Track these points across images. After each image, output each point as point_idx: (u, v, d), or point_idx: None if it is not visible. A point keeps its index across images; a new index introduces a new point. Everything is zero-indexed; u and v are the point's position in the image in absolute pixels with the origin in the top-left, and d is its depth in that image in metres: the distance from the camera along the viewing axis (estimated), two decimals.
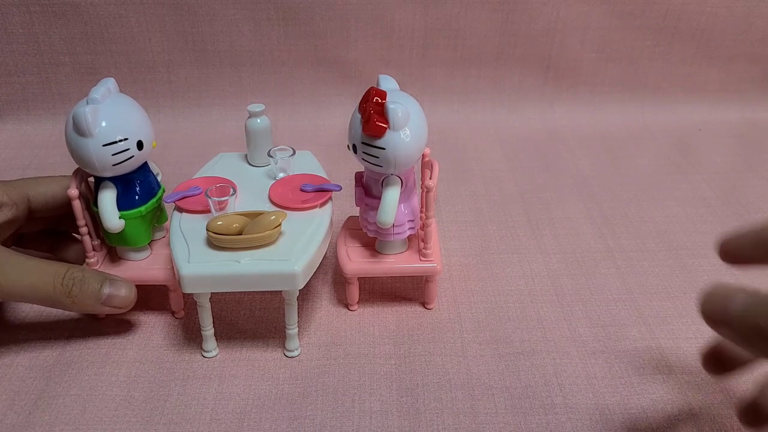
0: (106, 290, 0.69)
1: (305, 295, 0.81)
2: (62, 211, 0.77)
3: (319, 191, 0.76)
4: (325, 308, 0.79)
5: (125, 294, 0.70)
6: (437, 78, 1.25)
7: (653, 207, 1.00)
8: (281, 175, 0.79)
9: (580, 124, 1.25)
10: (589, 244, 0.91)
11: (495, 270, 0.85)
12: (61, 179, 0.77)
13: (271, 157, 0.78)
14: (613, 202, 1.01)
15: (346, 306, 0.79)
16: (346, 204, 0.91)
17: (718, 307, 0.52)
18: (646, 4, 1.19)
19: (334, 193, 0.77)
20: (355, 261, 0.76)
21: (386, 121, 0.65)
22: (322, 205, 0.74)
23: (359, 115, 0.68)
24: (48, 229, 0.82)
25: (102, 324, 0.76)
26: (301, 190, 0.76)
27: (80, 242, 0.82)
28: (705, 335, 0.75)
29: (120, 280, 0.71)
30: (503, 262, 0.87)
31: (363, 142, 0.68)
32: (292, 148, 0.80)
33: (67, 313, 0.78)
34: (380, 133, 0.66)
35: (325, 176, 0.79)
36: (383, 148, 0.67)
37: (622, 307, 0.79)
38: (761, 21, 1.22)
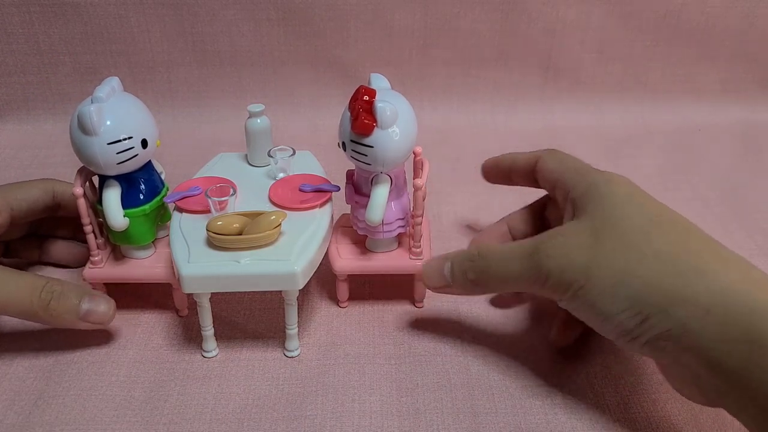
0: (85, 305, 0.68)
1: (305, 294, 0.81)
2: (44, 215, 0.77)
3: (317, 191, 0.76)
4: (325, 308, 0.79)
5: (104, 310, 0.69)
6: (437, 78, 1.25)
7: None
8: (281, 175, 0.80)
9: (579, 124, 1.25)
10: None
11: None
12: (39, 182, 0.77)
13: (271, 157, 0.78)
14: None
15: (337, 303, 0.79)
16: (344, 203, 0.91)
17: (437, 280, 0.69)
18: (646, 4, 1.19)
19: (334, 193, 0.77)
20: (345, 258, 0.76)
21: (374, 120, 0.66)
22: (322, 205, 0.74)
23: (349, 113, 0.68)
24: (31, 234, 0.82)
25: None
26: (300, 190, 0.76)
27: (68, 241, 0.82)
28: None
29: (100, 295, 0.70)
30: None
31: (352, 140, 0.68)
32: (292, 148, 0.80)
33: None
34: (368, 131, 0.66)
35: (324, 176, 0.79)
36: (371, 146, 0.67)
37: None
38: (761, 21, 1.22)
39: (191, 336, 0.75)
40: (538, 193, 1.02)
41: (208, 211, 0.72)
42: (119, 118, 0.66)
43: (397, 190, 0.73)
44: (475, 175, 1.09)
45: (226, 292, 0.78)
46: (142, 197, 0.72)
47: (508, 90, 1.26)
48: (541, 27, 1.20)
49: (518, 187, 1.04)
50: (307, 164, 0.82)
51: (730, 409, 0.53)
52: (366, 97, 0.66)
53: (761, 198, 1.02)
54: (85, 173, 0.71)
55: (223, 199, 0.71)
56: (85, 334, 0.75)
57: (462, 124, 1.24)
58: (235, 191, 0.73)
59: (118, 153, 0.67)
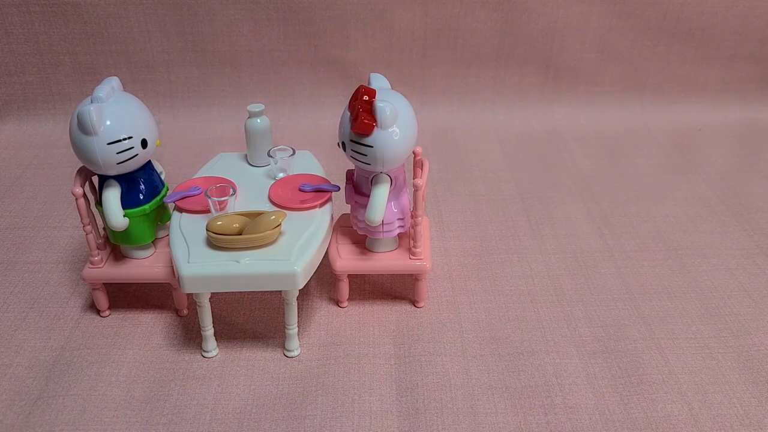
0: None
1: (305, 295, 0.81)
2: None
3: (317, 191, 0.76)
4: (324, 308, 0.79)
5: None
6: (437, 78, 1.24)
7: (653, 207, 1.00)
8: (281, 175, 0.79)
9: (580, 124, 1.25)
10: (589, 244, 0.91)
11: (495, 270, 0.85)
12: None
13: (271, 157, 0.78)
14: (613, 202, 1.01)
15: (337, 303, 0.79)
16: (344, 203, 0.91)
17: None
18: (646, 4, 1.19)
19: (333, 193, 0.77)
20: (345, 258, 0.76)
21: (374, 119, 0.66)
22: (322, 205, 0.74)
23: (349, 113, 0.68)
24: None
25: (102, 324, 0.76)
26: (300, 190, 0.76)
27: None
28: (705, 335, 0.75)
29: None
30: (503, 262, 0.87)
31: (352, 140, 0.68)
32: (292, 148, 0.80)
33: (67, 312, 0.78)
34: (368, 131, 0.66)
35: (324, 176, 0.79)
36: (371, 146, 0.67)
37: (622, 307, 0.79)
38: (761, 21, 1.22)
39: (191, 336, 0.75)
40: (537, 189, 1.03)
41: (208, 211, 0.72)
42: (119, 118, 0.66)
43: (396, 190, 0.73)
44: (475, 175, 1.09)
45: (226, 292, 0.78)
46: (142, 197, 0.72)
47: (508, 90, 1.26)
48: (541, 27, 1.20)
49: (518, 186, 1.05)
50: (307, 164, 0.82)
51: None
52: (366, 97, 0.66)
53: (761, 198, 1.02)
54: (85, 173, 0.71)
55: (223, 199, 0.71)
56: (85, 335, 0.75)
57: (462, 124, 1.24)
58: (235, 191, 0.73)
59: (118, 153, 0.67)
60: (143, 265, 0.75)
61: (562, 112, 1.27)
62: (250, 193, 0.77)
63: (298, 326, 0.72)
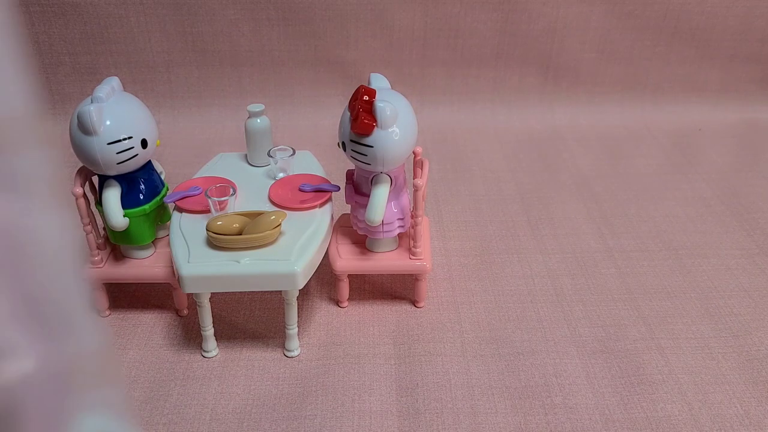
0: None
1: (305, 294, 0.80)
2: None
3: (317, 191, 0.76)
4: (324, 308, 0.79)
5: None
6: (437, 78, 1.25)
7: (653, 207, 1.00)
8: (281, 175, 0.79)
9: (580, 124, 1.25)
10: (589, 244, 0.91)
11: (495, 270, 0.85)
12: None
13: (271, 157, 0.78)
14: (613, 202, 1.01)
15: (337, 303, 0.79)
16: (344, 203, 0.91)
17: None
18: (646, 4, 1.19)
19: (333, 193, 0.77)
20: (345, 258, 0.76)
21: (374, 119, 0.66)
22: (322, 205, 0.74)
23: (349, 113, 0.68)
24: None
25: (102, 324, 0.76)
26: (300, 190, 0.76)
27: None
28: (705, 335, 0.75)
29: None
30: (503, 262, 0.87)
31: (352, 140, 0.68)
32: (292, 148, 0.80)
33: None
34: (368, 131, 0.66)
35: (324, 176, 0.79)
36: (371, 146, 0.67)
37: (622, 307, 0.79)
38: (761, 21, 1.22)
39: (191, 336, 0.75)
40: (537, 189, 1.03)
41: (208, 211, 0.72)
42: (119, 118, 0.66)
43: (396, 190, 0.73)
44: (475, 175, 1.09)
45: (226, 292, 0.78)
46: (142, 197, 0.72)
47: (508, 90, 1.26)
48: (541, 27, 1.20)
49: (518, 186, 1.05)
50: (307, 164, 0.82)
51: None
52: (366, 97, 0.66)
53: (761, 198, 1.02)
54: (85, 173, 0.71)
55: (223, 199, 0.71)
56: None
57: (462, 124, 1.24)
58: (235, 191, 0.73)
59: (118, 153, 0.67)
60: (143, 265, 0.75)
61: (562, 112, 1.27)
62: (250, 193, 0.77)
63: (298, 326, 0.72)
